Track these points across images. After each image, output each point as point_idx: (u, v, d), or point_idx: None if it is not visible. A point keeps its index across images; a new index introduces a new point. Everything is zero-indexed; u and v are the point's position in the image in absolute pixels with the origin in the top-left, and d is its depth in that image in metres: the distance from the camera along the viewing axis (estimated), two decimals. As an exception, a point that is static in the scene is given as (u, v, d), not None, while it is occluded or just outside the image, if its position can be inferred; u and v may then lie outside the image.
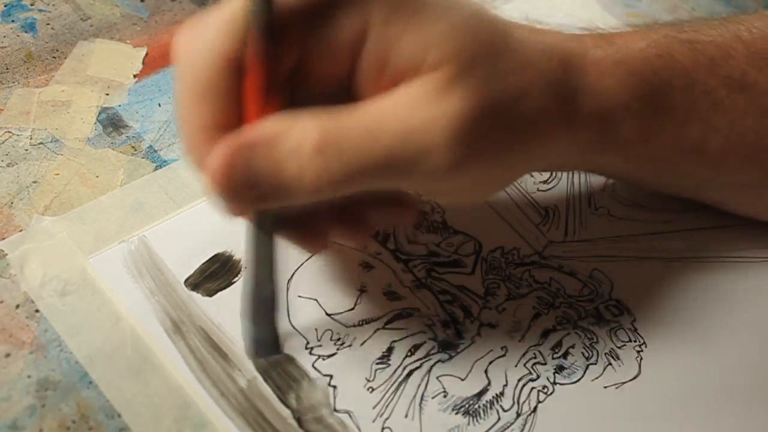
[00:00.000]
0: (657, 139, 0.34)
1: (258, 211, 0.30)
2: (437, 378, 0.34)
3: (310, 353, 0.34)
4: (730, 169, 0.36)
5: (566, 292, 0.37)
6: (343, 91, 0.30)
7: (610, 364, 0.35)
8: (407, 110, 0.27)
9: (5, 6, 0.46)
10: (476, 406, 0.33)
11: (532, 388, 0.34)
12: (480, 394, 0.33)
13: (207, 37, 0.28)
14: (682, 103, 0.34)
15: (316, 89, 0.30)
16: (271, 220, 0.30)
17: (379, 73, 0.29)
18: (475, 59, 0.28)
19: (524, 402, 0.33)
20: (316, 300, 0.35)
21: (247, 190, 0.27)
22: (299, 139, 0.27)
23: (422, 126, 0.27)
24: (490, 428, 0.32)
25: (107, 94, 0.42)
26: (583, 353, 0.35)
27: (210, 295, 0.35)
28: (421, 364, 0.34)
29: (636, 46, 0.33)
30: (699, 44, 0.34)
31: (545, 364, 0.35)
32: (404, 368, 0.34)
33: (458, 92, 0.28)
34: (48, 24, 0.45)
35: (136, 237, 0.36)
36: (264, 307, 0.33)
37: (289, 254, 0.36)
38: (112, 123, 0.41)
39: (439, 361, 0.34)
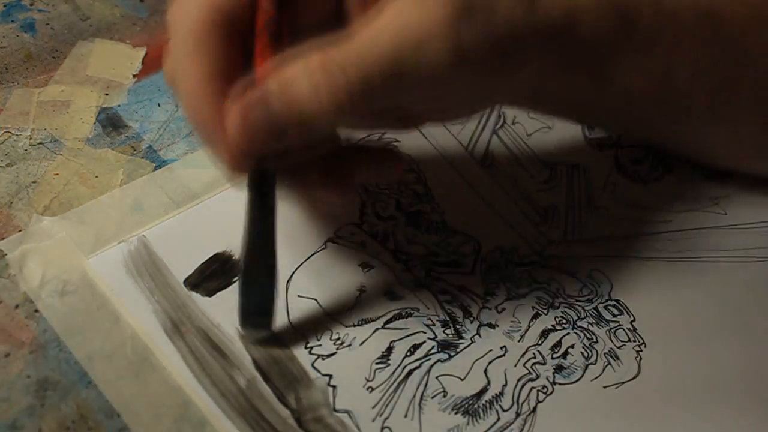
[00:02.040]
0: (626, 60, 0.34)
1: (257, 170, 0.31)
2: (437, 378, 0.34)
3: (310, 353, 0.34)
4: (696, 101, 0.36)
5: (566, 292, 0.37)
6: (332, 25, 0.31)
7: (610, 364, 0.35)
8: (402, 14, 0.29)
9: (5, 6, 0.46)
10: (476, 406, 0.33)
11: (532, 388, 0.34)
12: (479, 394, 0.33)
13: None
14: (648, 27, 0.34)
15: (307, 23, 0.31)
16: (271, 180, 0.31)
17: None
18: None
19: (524, 402, 0.33)
20: (316, 300, 0.35)
21: (269, 134, 0.29)
22: (307, 70, 0.28)
23: (419, 23, 0.28)
24: (490, 428, 0.32)
25: (107, 94, 0.42)
26: (582, 353, 0.35)
27: (210, 295, 0.35)
28: (421, 364, 0.34)
29: None
30: None
31: (545, 364, 0.35)
32: (404, 368, 0.34)
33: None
34: (47, 24, 0.45)
35: (136, 237, 0.36)
36: (259, 275, 0.32)
37: (289, 254, 0.36)
38: (111, 123, 0.41)
39: (438, 361, 0.34)
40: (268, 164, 0.31)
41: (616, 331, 0.36)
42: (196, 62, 0.30)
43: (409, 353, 0.34)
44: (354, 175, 0.34)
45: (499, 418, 0.33)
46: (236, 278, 0.35)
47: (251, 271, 0.32)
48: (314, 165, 0.33)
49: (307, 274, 0.36)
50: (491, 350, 0.35)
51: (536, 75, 0.33)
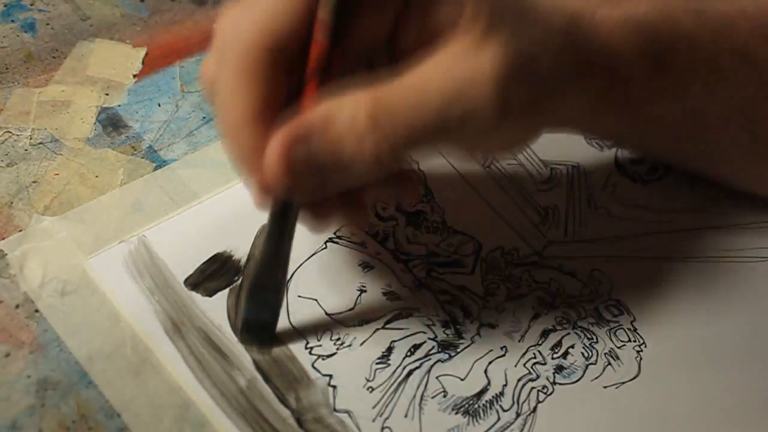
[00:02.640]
0: (660, 99, 0.35)
1: (282, 201, 0.30)
2: (437, 378, 0.34)
3: (310, 353, 0.34)
4: (728, 137, 0.37)
5: (566, 292, 0.37)
6: (383, 54, 0.31)
7: (610, 364, 0.35)
8: (451, 65, 0.28)
9: (5, 6, 0.46)
10: (476, 406, 0.33)
11: (532, 388, 0.34)
12: (480, 394, 0.33)
13: (252, 19, 0.29)
14: (684, 66, 0.35)
15: (359, 51, 0.31)
16: (295, 209, 0.31)
17: (420, 31, 0.30)
18: (503, 14, 0.29)
19: (524, 402, 0.33)
20: (316, 300, 0.35)
21: (308, 174, 0.28)
22: (352, 114, 0.28)
23: (468, 78, 0.28)
24: (490, 428, 0.32)
25: (107, 94, 0.42)
26: (582, 353, 0.35)
27: (210, 295, 0.35)
28: (421, 364, 0.34)
29: (641, 9, 0.34)
30: (704, 14, 0.35)
31: (545, 364, 0.35)
32: (404, 368, 0.34)
33: (493, 45, 0.28)
34: (48, 24, 0.45)
35: (136, 237, 0.36)
36: (267, 296, 0.33)
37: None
38: (111, 123, 0.41)
39: (438, 361, 0.34)
40: (297, 198, 0.30)
41: (616, 331, 0.36)
42: (243, 89, 0.29)
43: (409, 353, 0.34)
44: (371, 198, 0.34)
45: (499, 418, 0.33)
46: (237, 278, 0.35)
47: (259, 290, 0.33)
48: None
49: (307, 274, 0.36)
50: (491, 350, 0.35)
51: (570, 108, 0.33)
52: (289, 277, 0.36)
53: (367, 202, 0.34)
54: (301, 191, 0.29)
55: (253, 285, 0.33)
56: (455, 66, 0.28)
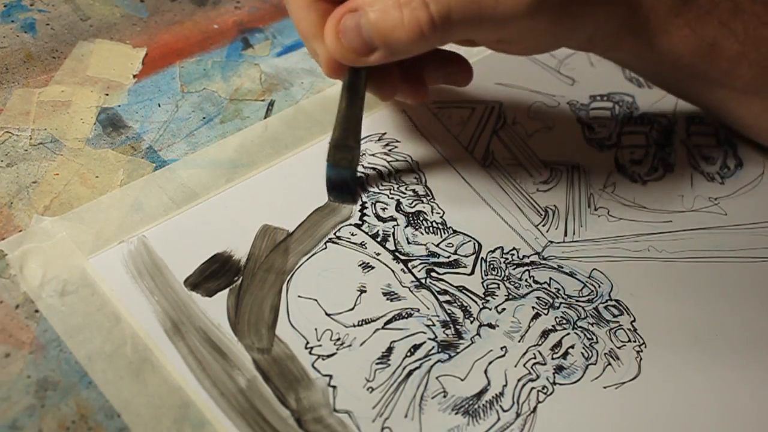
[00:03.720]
0: (677, 32, 0.37)
1: (350, 73, 0.36)
2: (437, 378, 0.34)
3: (310, 353, 0.34)
4: (739, 74, 0.39)
5: (566, 292, 0.37)
6: None
7: (610, 364, 0.35)
8: None
9: (5, 6, 0.46)
10: (476, 406, 0.33)
11: (532, 388, 0.34)
12: (480, 395, 0.33)
13: None
14: (704, 1, 0.37)
15: None
16: (362, 79, 0.37)
17: None
18: None
19: (524, 402, 0.33)
20: (316, 300, 0.35)
21: (357, 42, 0.34)
22: (397, 1, 0.33)
23: None
24: (490, 428, 0.32)
25: (107, 95, 0.42)
26: (582, 353, 0.35)
27: (210, 295, 0.35)
28: (421, 365, 0.34)
29: None
30: None
31: (545, 364, 0.35)
32: (404, 368, 0.34)
33: None
34: (48, 24, 0.45)
35: (136, 237, 0.36)
36: (345, 156, 0.38)
37: (287, 254, 0.36)
38: (111, 123, 0.41)
39: (438, 361, 0.34)
40: (353, 62, 0.35)
41: (616, 331, 0.36)
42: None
43: (409, 353, 0.34)
44: (427, 78, 0.39)
45: (499, 419, 0.33)
46: (237, 278, 0.35)
47: (337, 152, 0.38)
48: (394, 68, 0.38)
49: (307, 274, 0.36)
50: (491, 350, 0.35)
51: (594, 29, 0.36)
52: (289, 277, 0.36)
53: (425, 78, 0.39)
54: (353, 58, 0.34)
55: (332, 147, 0.38)
56: None
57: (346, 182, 0.39)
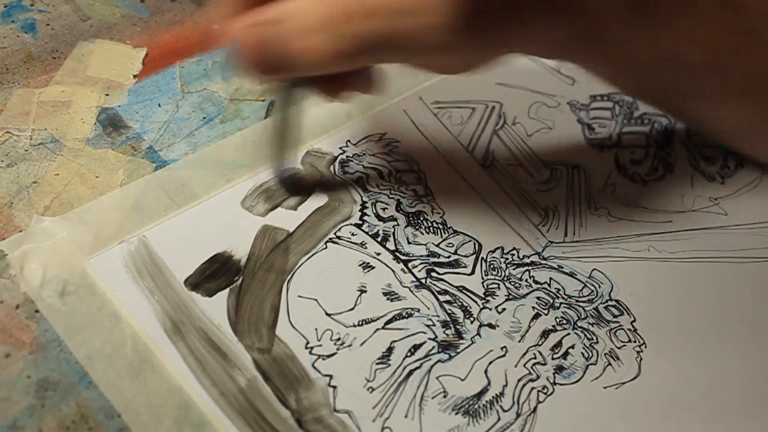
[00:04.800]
0: (636, 41, 0.35)
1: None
2: (437, 378, 0.34)
3: (310, 353, 0.34)
4: (708, 85, 0.37)
5: (566, 292, 0.37)
6: None
7: (610, 364, 0.35)
8: None
9: (5, 6, 0.46)
10: (476, 407, 0.33)
11: (532, 388, 0.34)
12: (480, 395, 0.33)
13: None
14: (664, 9, 0.34)
15: None
16: (290, 87, 0.34)
17: None
18: None
19: (524, 402, 0.33)
20: (316, 300, 0.35)
21: (261, 62, 0.31)
22: (304, 18, 0.29)
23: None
24: (490, 428, 0.32)
25: (107, 95, 0.42)
26: (582, 353, 0.35)
27: (210, 295, 0.35)
28: (421, 365, 0.34)
29: None
30: None
31: (545, 364, 0.35)
32: (404, 368, 0.34)
33: None
34: (48, 24, 0.45)
35: (136, 237, 0.36)
36: (282, 157, 0.38)
37: (287, 254, 0.36)
38: (111, 123, 0.41)
39: (438, 361, 0.34)
40: (259, 77, 0.33)
41: (616, 331, 0.36)
42: None
43: (409, 353, 0.34)
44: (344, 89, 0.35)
45: (499, 419, 0.33)
46: (237, 278, 0.35)
47: (275, 154, 0.37)
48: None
49: (307, 274, 0.36)
50: (491, 350, 0.35)
51: (538, 41, 0.33)
52: (289, 277, 0.36)
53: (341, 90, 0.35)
54: (258, 73, 0.31)
55: (270, 149, 0.37)
56: None
57: (288, 179, 0.39)
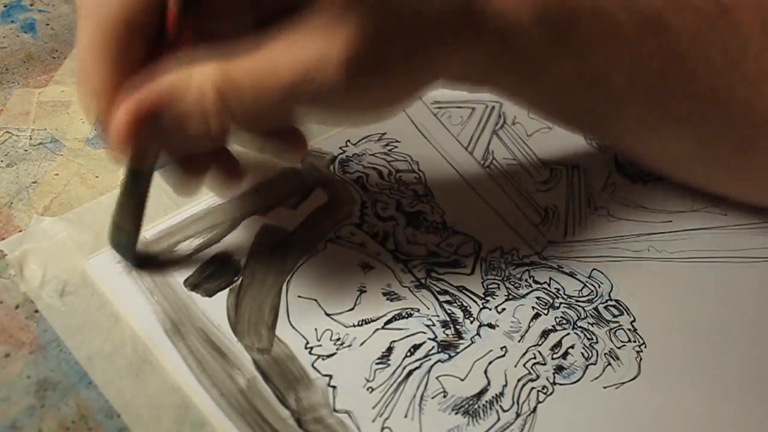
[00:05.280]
0: (557, 67, 0.34)
1: (140, 150, 0.31)
2: (437, 378, 0.34)
3: (310, 353, 0.33)
4: (630, 108, 0.36)
5: (566, 292, 0.37)
6: (246, 17, 0.31)
7: (610, 364, 0.35)
8: (303, 44, 0.28)
9: (5, 6, 0.46)
10: (476, 407, 0.33)
11: (532, 388, 0.34)
12: (480, 395, 0.33)
13: None
14: (586, 33, 0.34)
15: (222, 15, 0.31)
16: (153, 156, 0.31)
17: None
18: None
19: (524, 402, 0.33)
20: (316, 300, 0.35)
21: (153, 142, 0.29)
22: (200, 88, 0.28)
23: (317, 59, 0.28)
24: (490, 428, 0.32)
25: (107, 95, 0.42)
26: (582, 353, 0.35)
27: (209, 295, 0.35)
28: (421, 364, 0.34)
29: None
30: None
31: (545, 364, 0.35)
32: (404, 368, 0.34)
33: (348, 25, 0.28)
34: (47, 24, 0.45)
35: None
36: (122, 238, 0.34)
37: (287, 254, 0.36)
38: (111, 123, 0.41)
39: (438, 361, 0.34)
40: (144, 162, 0.31)
41: (616, 331, 0.36)
42: (97, 60, 0.29)
43: (409, 353, 0.34)
44: (253, 148, 0.35)
45: (499, 419, 0.33)
46: (237, 278, 0.35)
47: (117, 231, 0.34)
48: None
49: (307, 274, 0.36)
50: (491, 350, 0.35)
51: (467, 67, 0.33)
52: (289, 277, 0.36)
53: (239, 158, 0.34)
54: (146, 158, 0.30)
55: (112, 225, 0.34)
56: (307, 45, 0.28)
57: (127, 250, 0.35)
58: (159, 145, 0.30)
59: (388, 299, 0.36)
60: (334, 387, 0.33)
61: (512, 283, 0.37)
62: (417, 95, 0.33)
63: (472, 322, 0.36)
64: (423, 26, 0.30)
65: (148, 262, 0.35)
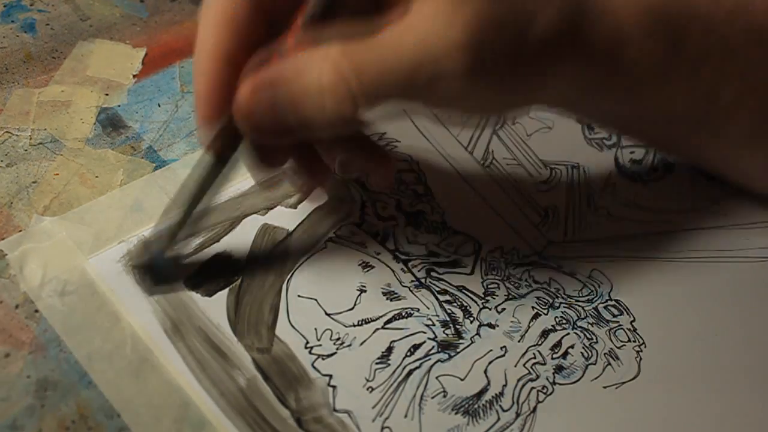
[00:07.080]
0: (668, 83, 0.33)
1: (224, 142, 0.31)
2: (437, 378, 0.34)
3: (310, 353, 0.34)
4: (741, 123, 0.35)
5: (566, 292, 0.37)
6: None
7: (610, 364, 0.35)
8: (425, 27, 0.28)
9: (5, 6, 0.46)
10: (476, 406, 0.33)
11: (532, 388, 0.34)
12: (479, 394, 0.33)
13: None
14: (697, 47, 0.33)
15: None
16: (232, 150, 0.31)
17: None
18: None
19: (524, 402, 0.33)
20: (316, 300, 0.35)
21: (271, 123, 0.29)
22: (320, 69, 0.28)
23: (440, 42, 0.28)
24: (490, 428, 0.32)
25: (107, 95, 0.42)
26: (582, 353, 0.35)
27: (210, 295, 0.35)
28: (421, 364, 0.34)
29: None
30: None
31: (545, 364, 0.35)
32: (404, 368, 0.34)
33: (469, 8, 0.28)
34: (47, 24, 0.45)
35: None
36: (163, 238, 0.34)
37: (287, 254, 0.36)
38: (111, 123, 0.41)
39: (438, 361, 0.34)
40: (258, 138, 0.31)
41: (616, 331, 0.36)
42: (219, 32, 0.30)
43: (409, 353, 0.34)
44: (340, 160, 0.35)
45: (499, 419, 0.33)
46: (237, 278, 0.35)
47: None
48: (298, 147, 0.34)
49: (307, 274, 0.36)
50: (491, 350, 0.35)
51: (570, 88, 0.32)
52: (289, 276, 0.36)
53: (328, 162, 0.35)
54: (262, 133, 0.30)
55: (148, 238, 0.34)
56: (429, 28, 0.28)
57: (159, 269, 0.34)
58: (274, 123, 0.30)
59: (388, 299, 0.36)
60: (334, 387, 0.33)
61: (512, 283, 0.37)
62: (509, 110, 0.34)
63: (472, 322, 0.36)
64: (530, 33, 0.29)
65: (164, 280, 0.35)
